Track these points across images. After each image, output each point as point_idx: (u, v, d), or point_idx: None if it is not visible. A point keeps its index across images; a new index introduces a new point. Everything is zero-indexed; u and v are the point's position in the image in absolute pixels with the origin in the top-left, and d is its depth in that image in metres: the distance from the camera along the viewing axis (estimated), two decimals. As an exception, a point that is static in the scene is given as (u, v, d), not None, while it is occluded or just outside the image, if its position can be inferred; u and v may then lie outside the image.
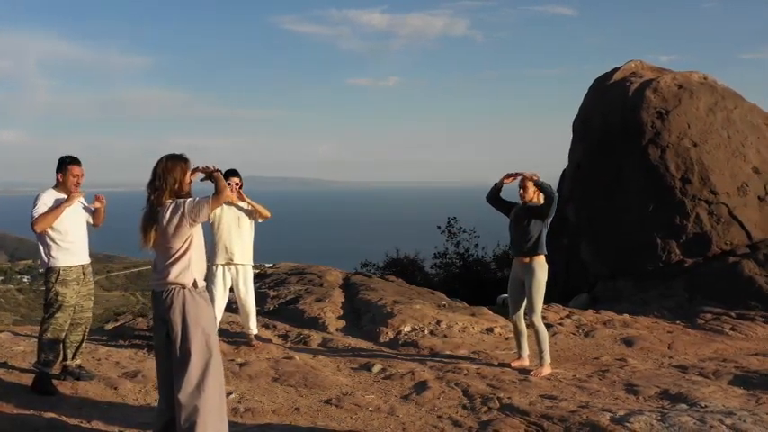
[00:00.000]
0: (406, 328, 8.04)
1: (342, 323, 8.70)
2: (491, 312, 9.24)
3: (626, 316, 9.67)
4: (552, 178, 6.52)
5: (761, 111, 13.02)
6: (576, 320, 9.21)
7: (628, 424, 4.54)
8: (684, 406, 5.12)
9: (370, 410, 5.27)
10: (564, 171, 17.29)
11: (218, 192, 4.13)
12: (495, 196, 6.79)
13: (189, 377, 4.01)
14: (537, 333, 6.41)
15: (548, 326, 7.13)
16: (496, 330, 8.21)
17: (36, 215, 5.47)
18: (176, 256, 4.06)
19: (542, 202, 6.52)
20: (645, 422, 4.55)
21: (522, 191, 6.54)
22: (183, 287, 4.07)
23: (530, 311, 6.41)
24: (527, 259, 6.43)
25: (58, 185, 5.70)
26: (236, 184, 7.22)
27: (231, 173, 7.21)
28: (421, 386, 5.93)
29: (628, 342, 8.01)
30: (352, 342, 7.81)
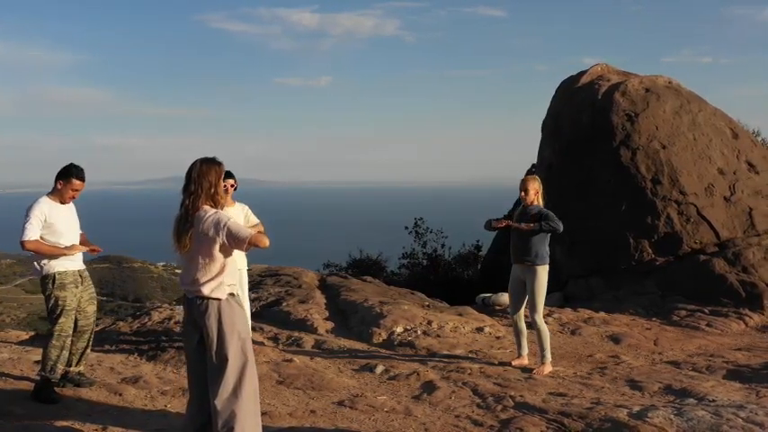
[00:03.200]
0: (399, 329, 8.07)
1: (330, 325, 8.67)
2: (477, 312, 9.35)
3: (604, 314, 9.90)
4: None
5: (723, 114, 13.48)
6: (557, 319, 9.40)
7: (647, 419, 4.67)
8: (693, 401, 5.29)
9: (386, 411, 5.28)
10: (530, 171, 17.60)
11: (260, 233, 4.05)
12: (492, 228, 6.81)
13: (226, 382, 3.96)
14: (539, 332, 6.51)
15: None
16: (486, 330, 8.31)
17: (31, 237, 5.32)
18: (210, 274, 3.99)
19: (542, 205, 6.64)
20: (663, 417, 4.68)
21: (522, 193, 6.63)
22: (218, 300, 4.03)
23: (531, 311, 6.50)
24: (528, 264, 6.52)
25: (54, 192, 5.55)
26: (231, 186, 7.14)
27: (225, 174, 7.11)
28: (429, 386, 5.97)
29: (615, 339, 8.21)
30: (346, 343, 7.79)
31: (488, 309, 10.27)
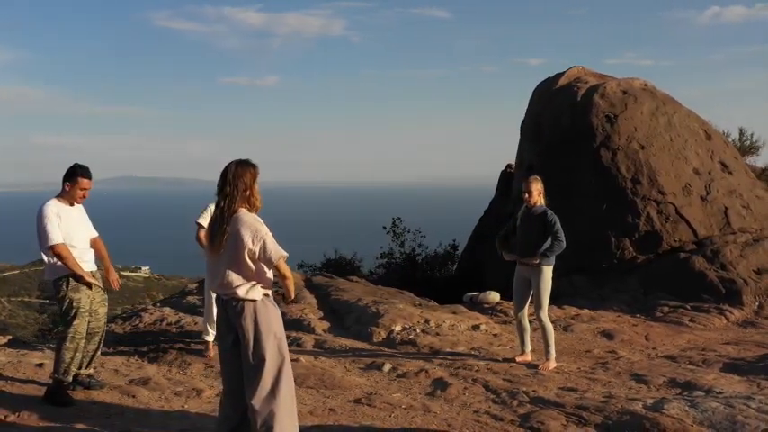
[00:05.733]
0: (398, 328, 8.14)
1: (326, 324, 8.70)
2: (469, 310, 9.48)
3: (589, 311, 10.11)
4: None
5: (696, 116, 13.90)
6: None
7: (664, 411, 4.82)
8: (701, 393, 5.48)
9: (404, 408, 5.35)
10: (504, 172, 17.84)
11: (288, 273, 4.15)
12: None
13: (263, 382, 3.99)
14: (544, 329, 6.66)
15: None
16: (483, 327, 8.43)
17: (58, 240, 5.31)
18: (244, 276, 4.03)
19: (545, 204, 6.79)
20: (679, 408, 4.85)
21: (526, 195, 6.76)
22: (254, 301, 4.06)
23: (537, 309, 6.64)
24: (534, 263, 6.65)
25: (63, 194, 5.51)
26: None
27: None
28: (440, 383, 6.05)
29: (608, 335, 8.41)
30: (347, 343, 7.84)
31: (477, 307, 10.41)
